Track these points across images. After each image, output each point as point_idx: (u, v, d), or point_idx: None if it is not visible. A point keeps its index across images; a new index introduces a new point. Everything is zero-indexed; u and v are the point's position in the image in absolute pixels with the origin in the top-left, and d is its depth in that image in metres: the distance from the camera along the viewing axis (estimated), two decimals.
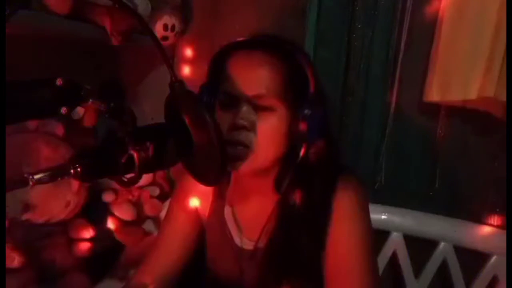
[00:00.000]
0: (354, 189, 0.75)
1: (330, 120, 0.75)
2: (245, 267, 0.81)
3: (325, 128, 0.72)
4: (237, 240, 0.82)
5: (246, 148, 0.68)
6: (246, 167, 0.69)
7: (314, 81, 0.72)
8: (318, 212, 0.73)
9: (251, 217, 0.81)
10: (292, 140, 0.71)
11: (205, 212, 0.86)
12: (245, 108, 0.68)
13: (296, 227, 0.74)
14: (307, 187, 0.73)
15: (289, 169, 0.74)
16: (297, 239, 0.73)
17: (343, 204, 0.73)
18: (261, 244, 0.78)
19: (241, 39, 0.74)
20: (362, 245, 0.73)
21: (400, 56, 1.20)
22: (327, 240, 0.73)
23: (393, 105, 1.23)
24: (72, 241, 1.11)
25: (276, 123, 0.69)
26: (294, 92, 0.70)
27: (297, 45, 0.76)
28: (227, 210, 0.83)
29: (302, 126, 0.68)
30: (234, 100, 0.69)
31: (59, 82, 0.50)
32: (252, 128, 0.68)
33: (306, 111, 0.69)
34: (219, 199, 0.84)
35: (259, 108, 0.68)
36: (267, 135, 0.69)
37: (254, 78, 0.69)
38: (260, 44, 0.72)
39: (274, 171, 0.75)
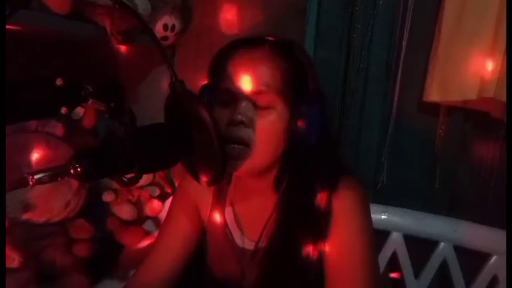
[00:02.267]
0: (354, 189, 0.75)
1: (329, 119, 0.75)
2: (247, 267, 0.81)
3: (324, 127, 0.72)
4: (238, 240, 0.81)
5: (244, 147, 0.68)
6: (244, 166, 0.69)
7: (313, 79, 0.72)
8: (319, 212, 0.73)
9: (252, 217, 0.80)
10: (292, 138, 0.70)
11: (206, 212, 0.86)
12: (243, 104, 0.68)
13: (296, 227, 0.74)
14: (306, 187, 0.73)
15: (288, 168, 0.74)
16: (298, 239, 0.73)
17: (344, 205, 0.73)
18: (262, 244, 0.77)
19: (241, 38, 0.75)
20: (363, 246, 0.73)
21: (401, 56, 1.20)
22: (328, 240, 0.73)
23: (393, 105, 1.23)
24: (72, 241, 1.11)
25: (275, 120, 0.69)
26: (294, 89, 0.70)
27: (297, 43, 0.76)
28: (228, 210, 0.83)
29: (300, 123, 0.68)
30: (233, 97, 0.69)
31: (59, 82, 0.50)
32: (250, 124, 0.68)
33: (304, 109, 0.69)
34: (220, 199, 0.84)
35: (258, 105, 0.68)
36: (266, 132, 0.68)
37: (254, 75, 0.69)
38: (260, 42, 0.72)
39: (274, 170, 0.74)
